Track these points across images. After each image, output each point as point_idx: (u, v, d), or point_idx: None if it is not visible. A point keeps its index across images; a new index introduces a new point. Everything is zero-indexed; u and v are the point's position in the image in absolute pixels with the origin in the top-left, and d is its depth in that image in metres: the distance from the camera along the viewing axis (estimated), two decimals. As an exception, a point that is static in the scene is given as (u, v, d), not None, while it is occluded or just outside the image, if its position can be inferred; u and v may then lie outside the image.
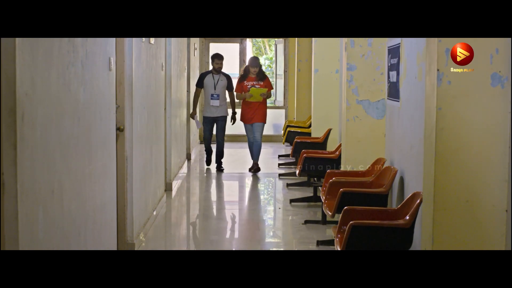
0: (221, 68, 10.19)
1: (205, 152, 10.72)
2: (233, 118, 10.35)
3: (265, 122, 10.22)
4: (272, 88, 10.59)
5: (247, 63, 10.22)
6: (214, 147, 10.56)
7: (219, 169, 10.36)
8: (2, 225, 2.71)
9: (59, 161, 3.37)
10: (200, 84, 10.34)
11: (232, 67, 15.09)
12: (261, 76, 10.15)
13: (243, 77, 10.19)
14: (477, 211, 3.83)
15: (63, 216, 3.46)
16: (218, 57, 10.23)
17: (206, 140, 10.48)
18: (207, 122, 10.31)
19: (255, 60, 10.31)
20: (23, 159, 2.82)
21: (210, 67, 10.90)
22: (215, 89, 10.12)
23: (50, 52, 3.20)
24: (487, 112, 3.80)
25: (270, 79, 12.20)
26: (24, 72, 2.82)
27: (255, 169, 10.17)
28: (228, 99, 10.49)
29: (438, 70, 3.81)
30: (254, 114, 10.06)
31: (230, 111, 10.43)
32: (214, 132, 10.43)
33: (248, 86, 10.05)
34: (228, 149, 11.18)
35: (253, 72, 10.09)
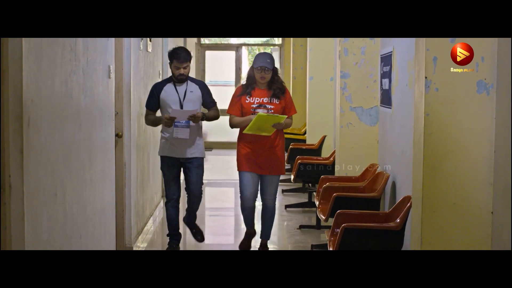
0: (185, 74, 5.54)
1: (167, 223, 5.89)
2: (197, 118, 5.49)
3: (283, 173, 5.79)
4: (295, 112, 5.68)
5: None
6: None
7: (197, 237, 6.02)
8: (10, 225, 2.81)
9: (61, 165, 3.47)
10: (152, 103, 5.65)
11: (228, 76, 15.05)
12: (277, 89, 5.57)
13: (245, 89, 5.59)
14: (464, 213, 3.97)
15: (65, 218, 3.56)
16: (177, 57, 5.53)
17: (171, 200, 5.74)
18: (169, 165, 5.67)
19: (263, 56, 5.56)
20: (28, 163, 2.93)
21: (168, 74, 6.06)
22: (181, 109, 5.52)
23: (53, 61, 3.32)
24: (474, 118, 3.94)
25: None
26: (30, 80, 2.94)
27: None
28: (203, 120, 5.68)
29: (426, 77, 3.95)
30: (266, 157, 5.60)
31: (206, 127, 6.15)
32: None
33: (253, 106, 5.54)
34: (222, 156, 10.92)
35: (262, 79, 5.50)
